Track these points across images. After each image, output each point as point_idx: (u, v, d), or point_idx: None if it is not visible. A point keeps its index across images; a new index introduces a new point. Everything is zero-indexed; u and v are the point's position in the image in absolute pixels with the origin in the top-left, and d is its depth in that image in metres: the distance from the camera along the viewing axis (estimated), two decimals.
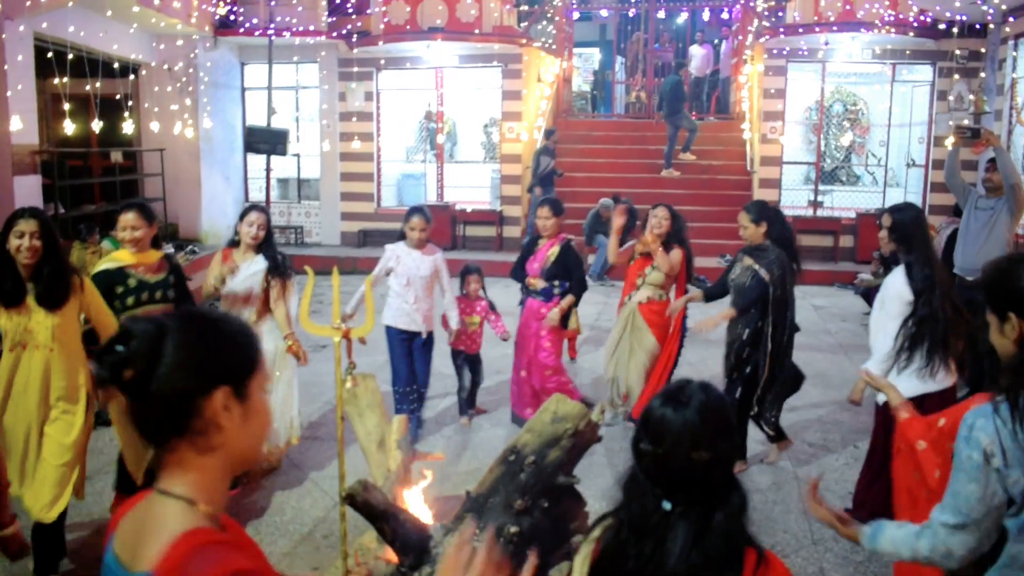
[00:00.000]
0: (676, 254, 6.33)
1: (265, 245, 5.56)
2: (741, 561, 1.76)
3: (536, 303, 6.34)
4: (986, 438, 2.11)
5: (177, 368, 1.34)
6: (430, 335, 6.29)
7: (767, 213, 5.64)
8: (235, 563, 1.28)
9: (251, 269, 5.49)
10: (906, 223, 4.31)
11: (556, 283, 6.27)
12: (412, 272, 6.11)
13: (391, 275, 6.21)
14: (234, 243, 5.68)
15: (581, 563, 1.88)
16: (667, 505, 1.75)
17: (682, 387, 1.85)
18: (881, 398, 4.38)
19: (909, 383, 4.07)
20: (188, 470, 1.38)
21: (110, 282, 4.68)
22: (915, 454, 3.06)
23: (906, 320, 4.21)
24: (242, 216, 5.66)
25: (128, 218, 4.90)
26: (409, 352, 6.22)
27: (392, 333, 6.22)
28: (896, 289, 4.28)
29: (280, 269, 5.55)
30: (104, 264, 4.85)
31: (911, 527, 2.32)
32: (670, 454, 1.76)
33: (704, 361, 8.38)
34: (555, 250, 6.30)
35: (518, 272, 6.56)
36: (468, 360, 6.82)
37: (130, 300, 4.70)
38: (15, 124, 10.04)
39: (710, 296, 6.06)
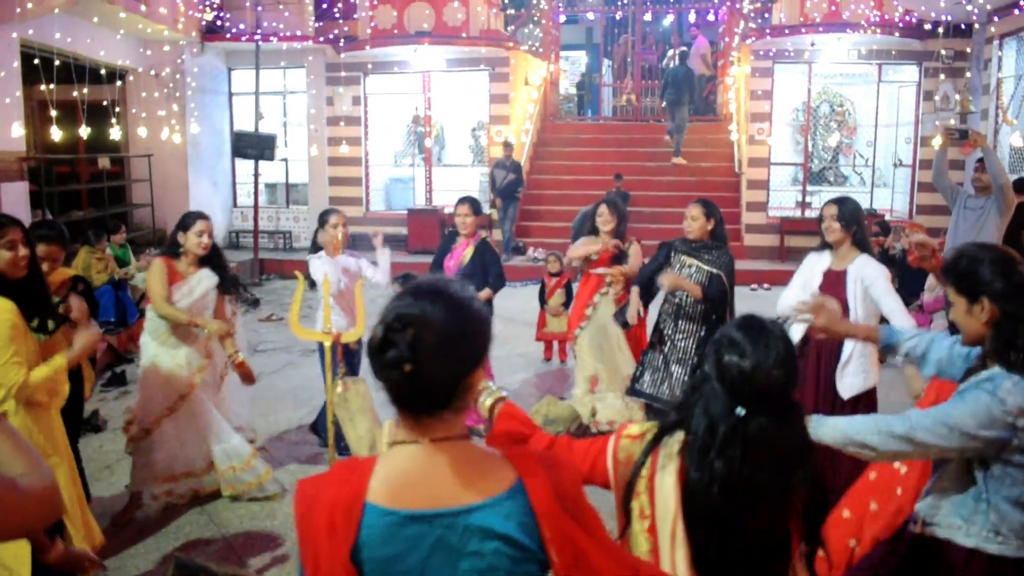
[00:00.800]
0: (635, 248, 6.37)
1: (212, 256, 5.15)
2: (813, 451, 2.10)
3: None
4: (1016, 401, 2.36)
5: (446, 359, 1.51)
6: (359, 345, 5.91)
7: (717, 212, 5.55)
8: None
9: (204, 285, 5.08)
10: (853, 210, 4.55)
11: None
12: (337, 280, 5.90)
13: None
14: (174, 254, 5.12)
15: (672, 481, 2.06)
16: (741, 411, 1.98)
17: (758, 319, 2.14)
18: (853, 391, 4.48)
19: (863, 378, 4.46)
20: (452, 426, 1.57)
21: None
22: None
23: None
24: (187, 224, 5.15)
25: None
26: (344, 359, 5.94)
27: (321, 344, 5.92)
28: (875, 270, 4.42)
29: (230, 282, 5.25)
30: None
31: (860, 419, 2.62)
32: (756, 368, 1.99)
33: None
34: (470, 249, 6.35)
35: (436, 270, 6.41)
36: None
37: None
38: (4, 131, 10.01)
39: (647, 291, 5.79)
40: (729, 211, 14.77)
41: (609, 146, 16.65)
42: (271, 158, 13.47)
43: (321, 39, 14.92)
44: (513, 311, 10.36)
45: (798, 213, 14.67)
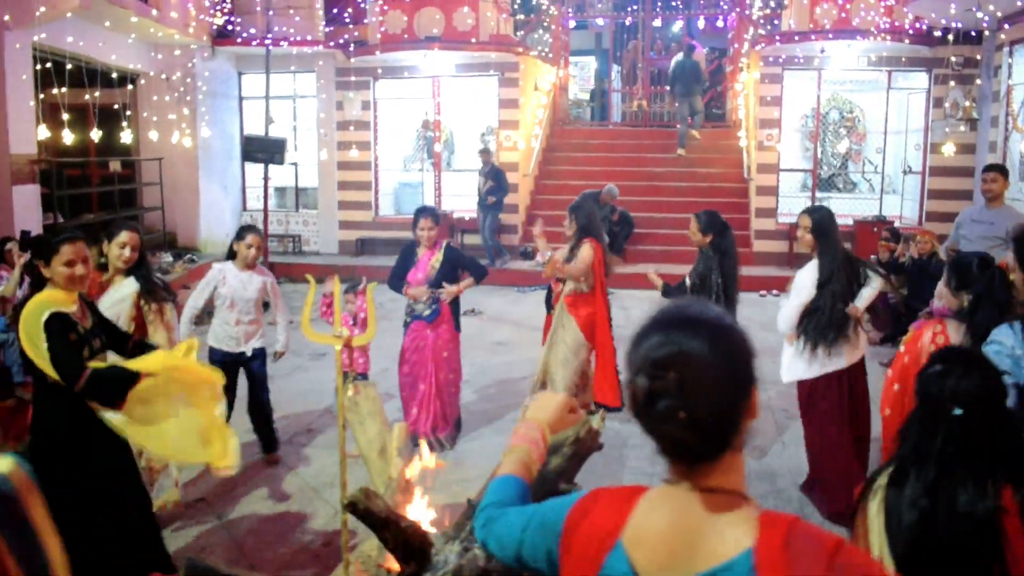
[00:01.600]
0: (585, 250, 6.43)
1: (137, 266, 5.05)
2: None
3: (422, 325, 6.39)
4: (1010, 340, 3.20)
5: (722, 393, 1.38)
6: (258, 352, 6.05)
7: (717, 223, 5.89)
8: (831, 536, 1.37)
9: (117, 295, 4.92)
10: (823, 220, 5.03)
11: (442, 291, 6.32)
12: (237, 293, 5.89)
13: (216, 295, 5.92)
14: (102, 267, 5.10)
15: (876, 513, 2.34)
16: (958, 411, 2.31)
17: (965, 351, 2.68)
18: (787, 376, 5.28)
19: (797, 367, 5.14)
20: (729, 470, 1.42)
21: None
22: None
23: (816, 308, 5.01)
24: (111, 236, 5.09)
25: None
26: (235, 377, 5.92)
27: (216, 355, 5.88)
28: (806, 279, 5.03)
29: (153, 291, 5.03)
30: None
31: None
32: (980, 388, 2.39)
33: None
34: (438, 256, 6.39)
35: (396, 283, 6.48)
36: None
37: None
38: (16, 134, 10.07)
39: (667, 293, 6.03)
40: (738, 217, 14.77)
41: (618, 151, 16.66)
42: (281, 162, 13.50)
43: (331, 44, 14.97)
44: (521, 316, 10.38)
45: None
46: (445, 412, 6.41)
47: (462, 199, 15.86)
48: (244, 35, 14.65)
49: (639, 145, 16.82)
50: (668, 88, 17.82)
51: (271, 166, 13.49)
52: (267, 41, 13.55)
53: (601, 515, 1.50)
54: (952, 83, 13.25)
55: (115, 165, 13.39)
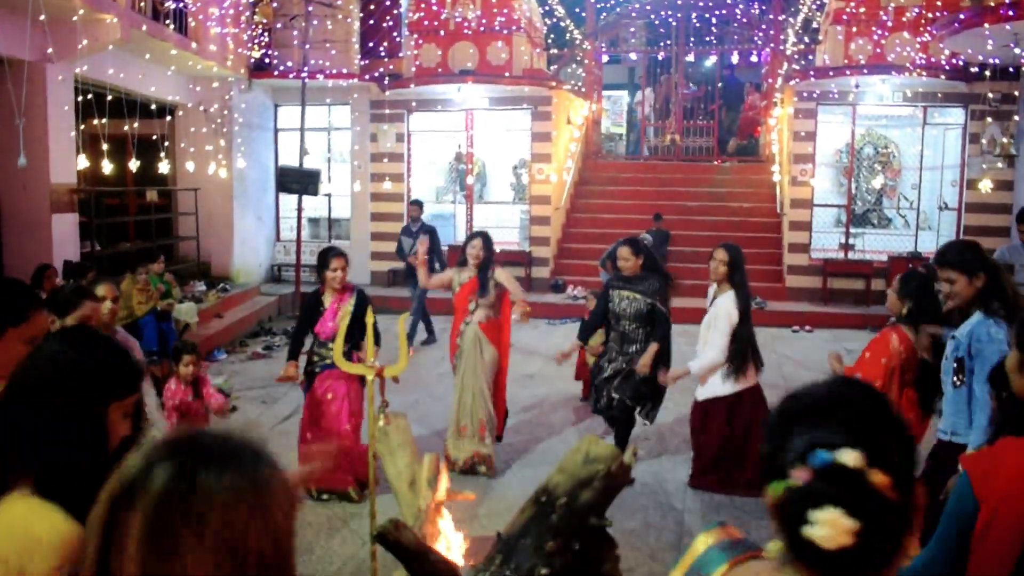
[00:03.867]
0: (501, 273, 6.61)
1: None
2: None
3: (334, 375, 5.86)
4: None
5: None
6: None
7: (643, 248, 6.48)
8: None
9: None
10: (737, 255, 5.94)
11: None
12: None
13: None
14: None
15: None
16: None
17: None
18: (699, 394, 6.18)
19: (724, 385, 5.97)
20: None
21: None
22: None
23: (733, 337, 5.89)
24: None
25: None
26: None
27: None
28: (726, 309, 5.89)
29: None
30: None
31: None
32: None
33: None
34: (350, 302, 5.93)
35: (298, 341, 6.22)
36: None
37: None
38: (56, 164, 10.25)
39: (588, 330, 6.78)
40: (770, 252, 14.69)
41: (650, 185, 16.65)
42: (315, 193, 13.63)
43: (366, 77, 15.14)
44: (552, 348, 10.31)
45: (841, 255, 14.51)
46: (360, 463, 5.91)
47: (493, 231, 15.86)
48: (281, 68, 14.86)
49: (671, 179, 16.81)
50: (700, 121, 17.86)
51: (305, 197, 13.62)
52: (303, 74, 13.72)
53: None
54: (989, 119, 13.14)
55: (152, 195, 13.58)
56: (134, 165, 10.85)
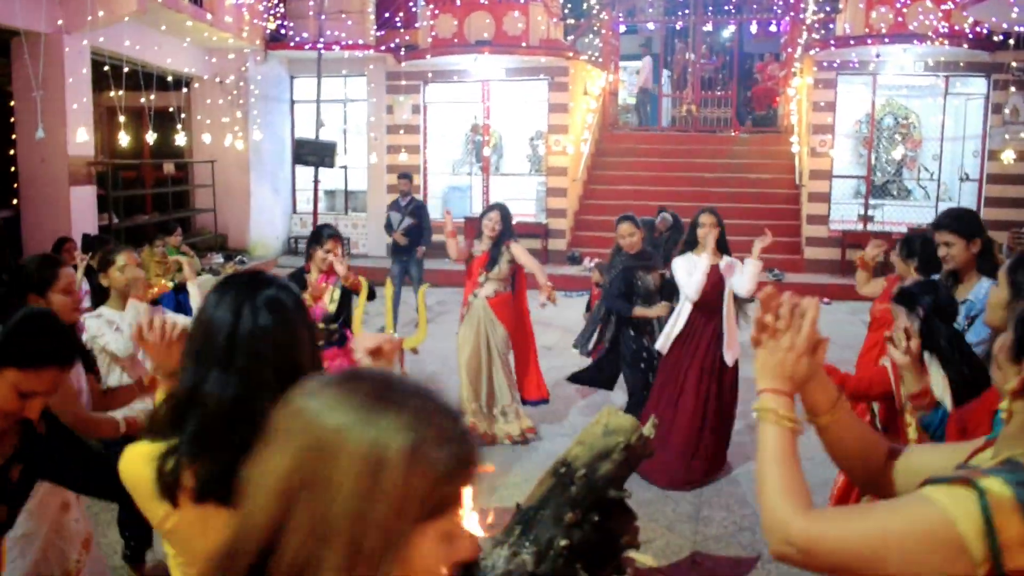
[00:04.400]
0: (517, 248, 6.53)
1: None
2: None
3: (335, 352, 5.35)
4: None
5: None
6: None
7: (640, 223, 6.43)
8: None
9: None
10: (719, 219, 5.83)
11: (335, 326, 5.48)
12: None
13: None
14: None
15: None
16: None
17: None
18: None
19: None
20: None
21: None
22: None
23: None
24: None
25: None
26: None
27: None
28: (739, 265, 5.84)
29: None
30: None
31: None
32: None
33: None
34: (337, 283, 5.47)
35: None
36: None
37: None
38: (74, 136, 10.26)
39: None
40: (789, 224, 14.58)
41: (667, 156, 16.54)
42: (331, 165, 13.61)
43: (382, 48, 15.07)
44: (570, 322, 10.31)
45: (860, 227, 14.39)
46: None
47: (510, 203, 15.82)
48: (296, 39, 14.81)
49: (689, 150, 16.69)
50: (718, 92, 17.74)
51: (321, 169, 13.61)
52: (319, 45, 13.67)
53: None
54: (1012, 89, 12.95)
55: (169, 167, 13.61)
56: (151, 137, 10.86)
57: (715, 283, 5.74)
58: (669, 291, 6.23)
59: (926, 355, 3.30)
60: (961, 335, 3.45)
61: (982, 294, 3.76)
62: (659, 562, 4.52)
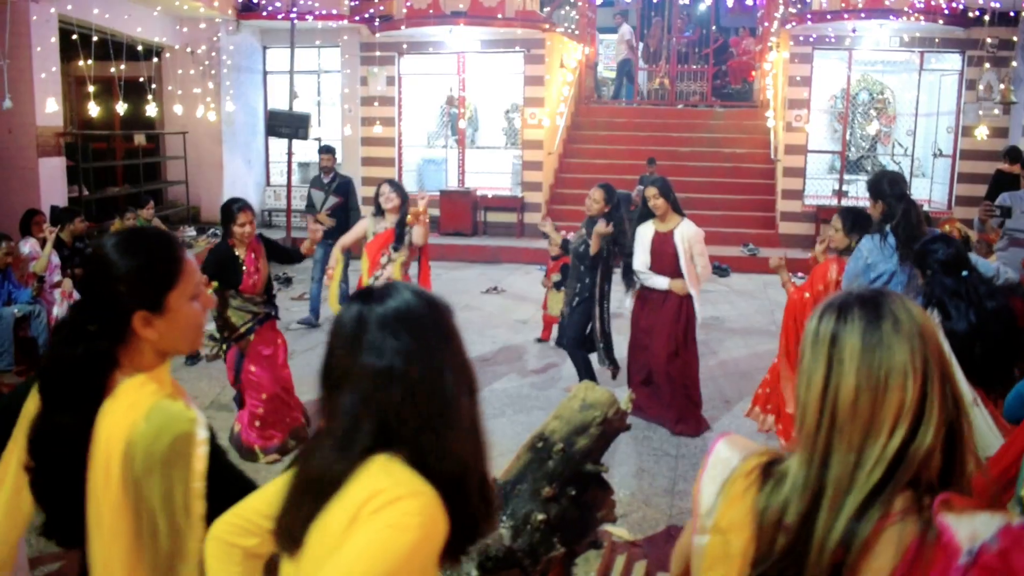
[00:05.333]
0: (418, 228, 6.24)
1: None
2: None
3: (272, 324, 5.81)
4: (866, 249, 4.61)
5: None
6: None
7: (615, 196, 6.62)
8: None
9: None
10: (666, 185, 6.17)
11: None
12: None
13: None
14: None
15: None
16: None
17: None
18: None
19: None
20: None
21: None
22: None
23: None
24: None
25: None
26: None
27: None
28: (695, 231, 6.16)
29: None
30: None
31: None
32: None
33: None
34: (263, 252, 5.73)
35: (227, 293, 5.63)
36: None
37: None
38: (43, 106, 10.07)
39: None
40: (764, 198, 14.63)
41: (643, 130, 16.51)
42: (305, 137, 13.46)
43: (356, 18, 14.88)
44: (539, 295, 10.31)
45: (834, 202, 14.46)
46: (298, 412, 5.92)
47: (485, 176, 15.81)
48: (269, 8, 14.59)
49: (665, 124, 16.67)
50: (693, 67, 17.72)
51: (295, 141, 13.46)
52: (292, 15, 13.48)
53: None
54: (987, 65, 13.01)
55: (140, 139, 13.43)
56: (121, 108, 10.68)
57: (665, 249, 6.17)
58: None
59: (929, 311, 3.57)
60: (974, 283, 3.65)
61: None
62: (635, 536, 4.54)
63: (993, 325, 3.52)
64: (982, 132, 12.48)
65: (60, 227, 8.12)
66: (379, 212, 6.29)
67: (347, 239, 6.58)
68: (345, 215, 9.29)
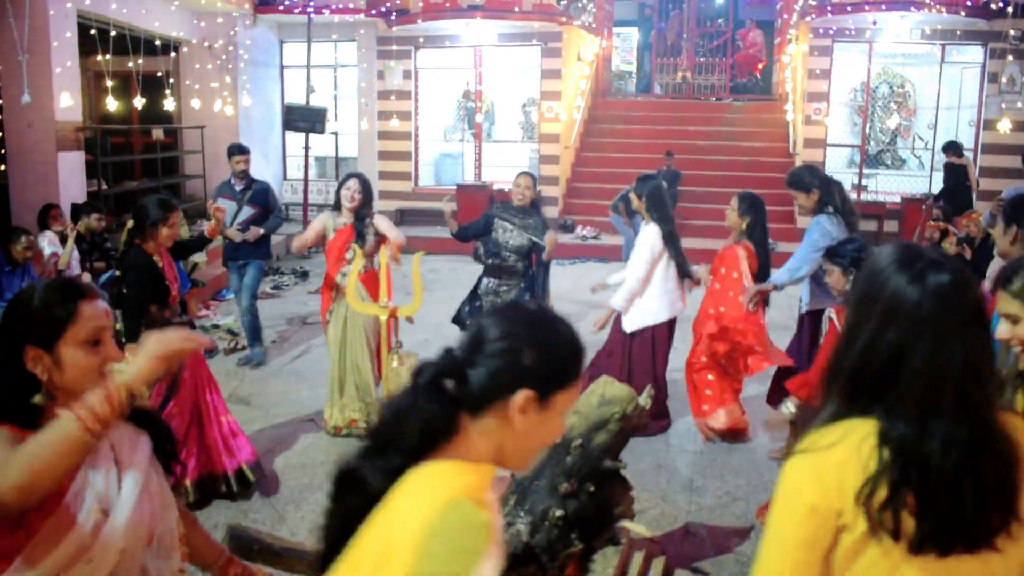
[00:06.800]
0: (381, 220, 6.13)
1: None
2: None
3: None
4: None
5: None
6: None
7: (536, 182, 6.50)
8: None
9: None
10: (652, 191, 5.93)
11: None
12: None
13: None
14: None
15: None
16: None
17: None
18: (639, 323, 5.92)
19: (664, 311, 5.91)
20: None
21: None
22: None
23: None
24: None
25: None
26: None
27: None
28: (651, 241, 5.84)
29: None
30: None
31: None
32: None
33: None
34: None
35: (139, 313, 4.58)
36: None
37: None
38: (61, 101, 10.10)
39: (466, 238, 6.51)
40: (782, 192, 14.44)
41: (661, 124, 16.43)
42: (321, 131, 13.48)
43: (373, 12, 14.86)
44: (559, 290, 10.27)
45: (854, 196, 14.35)
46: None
47: (502, 170, 15.79)
48: (286, 3, 14.59)
49: (683, 118, 16.58)
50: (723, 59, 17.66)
51: (312, 135, 13.48)
52: (309, 9, 13.48)
53: None
54: (1010, 57, 12.86)
55: (158, 133, 13.44)
56: (139, 103, 10.70)
57: None
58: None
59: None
60: None
61: (809, 227, 5.34)
62: (653, 532, 4.51)
63: None
64: (1004, 126, 12.34)
65: (77, 222, 8.19)
66: (337, 208, 6.06)
67: (308, 236, 6.11)
68: (263, 225, 7.70)
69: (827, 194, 5.35)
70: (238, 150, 7.88)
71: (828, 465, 1.48)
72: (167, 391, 4.68)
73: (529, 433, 1.51)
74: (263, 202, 7.76)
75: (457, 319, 6.35)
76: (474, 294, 6.29)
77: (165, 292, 4.68)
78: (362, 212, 5.99)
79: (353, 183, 6.00)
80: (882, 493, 1.41)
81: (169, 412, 4.64)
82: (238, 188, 7.74)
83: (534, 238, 6.05)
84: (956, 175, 12.06)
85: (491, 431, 1.50)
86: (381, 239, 6.01)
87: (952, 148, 12.23)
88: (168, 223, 4.68)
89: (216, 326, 8.98)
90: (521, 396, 1.45)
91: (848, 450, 1.47)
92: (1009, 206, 3.57)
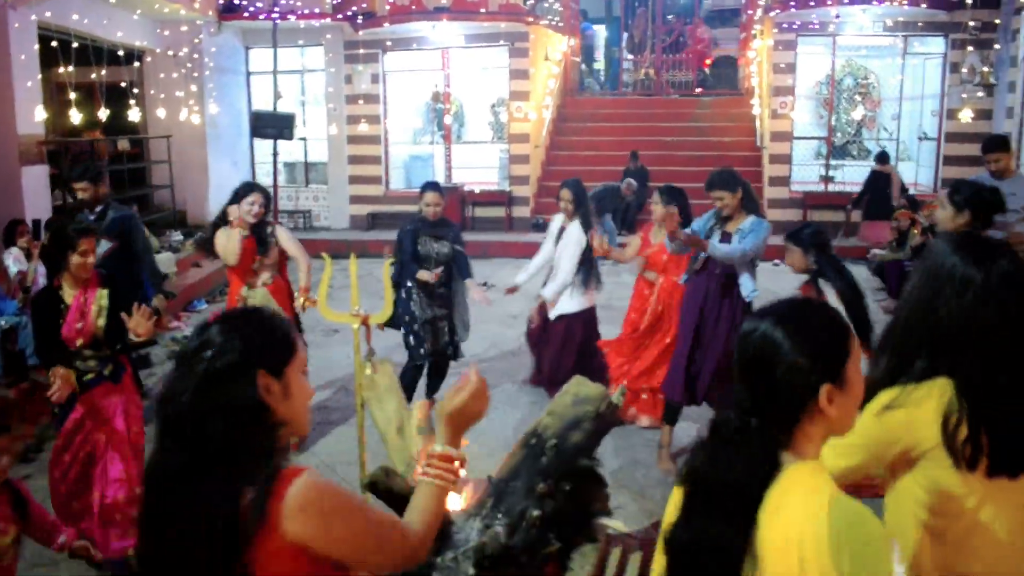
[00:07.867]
0: (282, 232, 6.07)
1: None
2: None
3: (105, 390, 4.37)
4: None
5: None
6: None
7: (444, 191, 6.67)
8: None
9: None
10: (579, 190, 6.47)
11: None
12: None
13: None
14: None
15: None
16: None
17: None
18: (554, 312, 6.58)
19: (575, 301, 6.47)
20: None
21: None
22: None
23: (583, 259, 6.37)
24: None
25: None
26: None
27: None
28: (576, 237, 6.35)
29: None
30: None
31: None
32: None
33: None
34: (102, 294, 4.30)
35: (46, 352, 4.30)
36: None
37: None
38: (23, 114, 9.98)
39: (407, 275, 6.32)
40: (751, 186, 14.62)
41: (629, 121, 16.50)
42: (290, 137, 13.40)
43: (339, 16, 14.81)
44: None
45: (821, 187, 14.49)
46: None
47: (473, 171, 15.79)
48: (251, 9, 14.50)
49: (651, 114, 16.67)
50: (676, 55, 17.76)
51: (280, 141, 13.39)
52: (274, 15, 13.40)
53: None
54: (970, 48, 13.02)
55: (123, 144, 13.31)
56: (104, 114, 10.59)
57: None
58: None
59: (821, 281, 4.66)
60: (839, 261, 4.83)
61: (749, 224, 5.29)
62: (630, 528, 4.54)
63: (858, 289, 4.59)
64: (966, 115, 12.48)
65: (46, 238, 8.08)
66: (225, 222, 5.90)
67: (231, 261, 5.78)
68: (128, 264, 6.19)
69: (749, 195, 5.47)
70: (82, 174, 6.45)
71: (918, 414, 1.97)
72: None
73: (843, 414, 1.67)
74: (126, 231, 6.34)
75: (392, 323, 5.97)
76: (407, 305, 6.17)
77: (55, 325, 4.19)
78: (263, 222, 5.96)
79: (255, 196, 5.93)
80: (963, 432, 1.89)
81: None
82: (91, 216, 6.27)
83: (456, 245, 6.27)
84: (879, 182, 12.77)
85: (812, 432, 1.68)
86: (283, 252, 6.01)
87: (880, 157, 13.04)
88: (79, 249, 4.16)
89: (187, 337, 8.90)
90: (823, 393, 1.62)
91: (933, 400, 1.96)
92: (959, 194, 4.14)
